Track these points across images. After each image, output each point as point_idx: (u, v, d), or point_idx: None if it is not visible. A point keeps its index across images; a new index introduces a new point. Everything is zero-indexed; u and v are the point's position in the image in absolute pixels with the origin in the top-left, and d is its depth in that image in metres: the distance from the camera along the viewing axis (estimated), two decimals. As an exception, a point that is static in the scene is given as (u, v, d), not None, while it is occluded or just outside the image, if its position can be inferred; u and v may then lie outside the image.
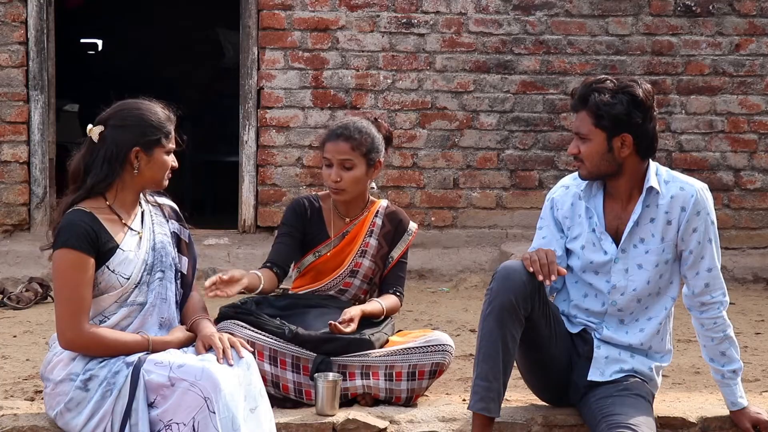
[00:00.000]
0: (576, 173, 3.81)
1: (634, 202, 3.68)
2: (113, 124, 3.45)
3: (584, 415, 3.70)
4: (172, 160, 3.53)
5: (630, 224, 3.66)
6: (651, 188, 3.65)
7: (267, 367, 3.80)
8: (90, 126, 3.47)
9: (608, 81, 3.60)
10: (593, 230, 3.71)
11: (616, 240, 3.70)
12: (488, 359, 3.53)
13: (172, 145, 3.52)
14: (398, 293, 4.14)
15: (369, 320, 3.99)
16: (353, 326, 3.88)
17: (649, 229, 3.67)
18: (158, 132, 3.46)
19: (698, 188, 3.67)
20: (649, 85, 3.66)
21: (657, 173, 3.68)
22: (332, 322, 3.86)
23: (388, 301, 4.08)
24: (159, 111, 3.51)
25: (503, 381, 3.55)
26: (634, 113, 3.57)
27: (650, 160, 3.70)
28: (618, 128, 3.57)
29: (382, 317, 4.04)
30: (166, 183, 3.55)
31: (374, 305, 4.03)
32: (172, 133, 3.52)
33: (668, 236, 3.67)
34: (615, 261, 3.69)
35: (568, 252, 3.77)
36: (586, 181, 3.71)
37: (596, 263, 3.71)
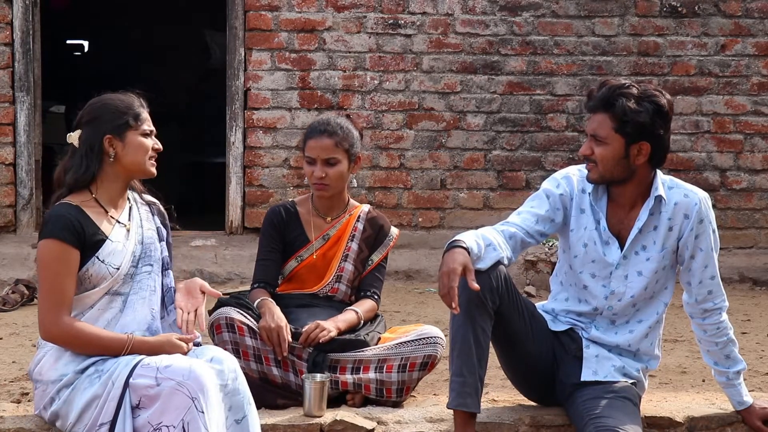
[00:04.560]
0: (571, 168, 3.79)
1: (637, 209, 3.66)
2: (84, 122, 3.49)
3: (571, 415, 3.71)
4: (153, 143, 3.53)
5: (634, 231, 3.65)
6: (658, 196, 3.62)
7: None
8: (69, 134, 3.50)
9: (633, 87, 3.55)
10: (596, 230, 3.68)
11: (619, 245, 3.69)
12: (461, 355, 3.53)
13: (146, 127, 3.51)
14: (375, 296, 4.14)
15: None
16: (329, 337, 3.90)
17: (651, 237, 3.66)
18: (125, 116, 3.47)
19: (702, 197, 3.66)
20: (669, 96, 3.61)
21: (662, 180, 3.67)
22: (307, 332, 3.89)
23: (363, 306, 4.09)
24: (124, 97, 3.52)
25: (479, 375, 3.55)
26: (657, 123, 3.54)
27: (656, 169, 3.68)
28: (638, 136, 3.53)
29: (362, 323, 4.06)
30: (152, 169, 3.52)
31: (350, 315, 4.03)
32: (143, 114, 3.51)
33: (668, 243, 3.66)
34: (616, 267, 3.68)
35: (569, 247, 3.74)
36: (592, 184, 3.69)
37: (597, 264, 3.69)
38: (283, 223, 4.12)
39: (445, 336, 3.81)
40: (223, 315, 3.87)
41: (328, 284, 4.10)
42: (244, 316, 3.89)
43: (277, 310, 3.92)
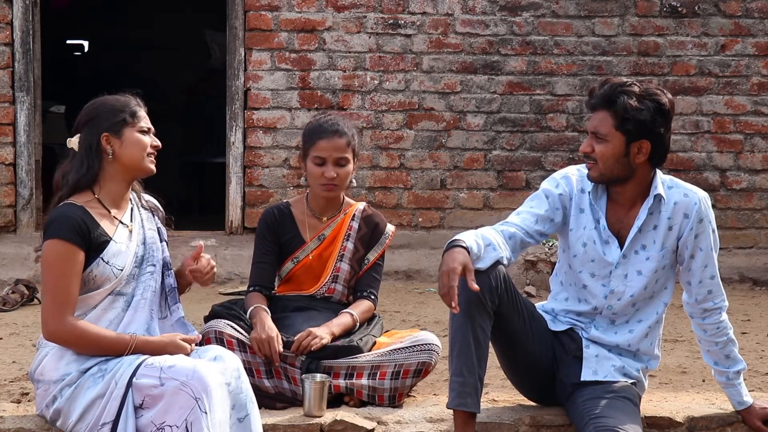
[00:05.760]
0: (570, 168, 3.79)
1: (637, 208, 3.66)
2: (82, 124, 3.51)
3: (571, 415, 3.71)
4: (151, 140, 3.54)
5: (634, 230, 3.65)
6: (658, 195, 3.63)
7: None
8: (69, 139, 3.52)
9: (634, 85, 3.56)
10: (596, 229, 3.68)
11: (619, 245, 3.69)
12: (461, 355, 3.53)
13: (143, 124, 3.53)
14: (372, 296, 4.11)
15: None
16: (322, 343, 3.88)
17: (651, 236, 3.66)
18: (121, 113, 3.49)
19: (701, 197, 3.66)
20: (671, 95, 3.62)
21: (662, 180, 3.67)
22: (299, 341, 3.87)
23: (359, 308, 4.06)
24: (120, 97, 3.54)
25: (479, 375, 3.55)
26: (658, 121, 3.54)
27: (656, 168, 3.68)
28: (639, 134, 3.54)
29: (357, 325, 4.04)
30: (151, 166, 3.53)
31: (345, 319, 3.99)
32: (140, 112, 3.53)
33: (668, 242, 3.66)
34: (616, 266, 3.68)
35: (569, 247, 3.74)
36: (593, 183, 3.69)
37: (596, 263, 3.69)
38: (277, 224, 4.09)
39: (444, 336, 3.81)
40: (212, 328, 3.83)
41: (324, 285, 4.08)
42: (234, 329, 3.85)
43: (268, 320, 3.88)
